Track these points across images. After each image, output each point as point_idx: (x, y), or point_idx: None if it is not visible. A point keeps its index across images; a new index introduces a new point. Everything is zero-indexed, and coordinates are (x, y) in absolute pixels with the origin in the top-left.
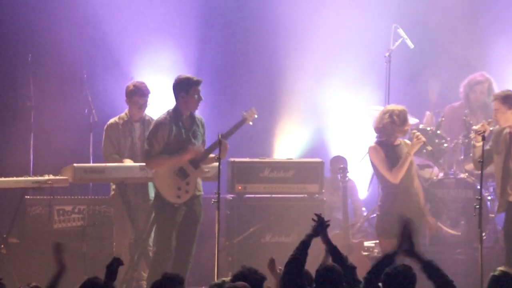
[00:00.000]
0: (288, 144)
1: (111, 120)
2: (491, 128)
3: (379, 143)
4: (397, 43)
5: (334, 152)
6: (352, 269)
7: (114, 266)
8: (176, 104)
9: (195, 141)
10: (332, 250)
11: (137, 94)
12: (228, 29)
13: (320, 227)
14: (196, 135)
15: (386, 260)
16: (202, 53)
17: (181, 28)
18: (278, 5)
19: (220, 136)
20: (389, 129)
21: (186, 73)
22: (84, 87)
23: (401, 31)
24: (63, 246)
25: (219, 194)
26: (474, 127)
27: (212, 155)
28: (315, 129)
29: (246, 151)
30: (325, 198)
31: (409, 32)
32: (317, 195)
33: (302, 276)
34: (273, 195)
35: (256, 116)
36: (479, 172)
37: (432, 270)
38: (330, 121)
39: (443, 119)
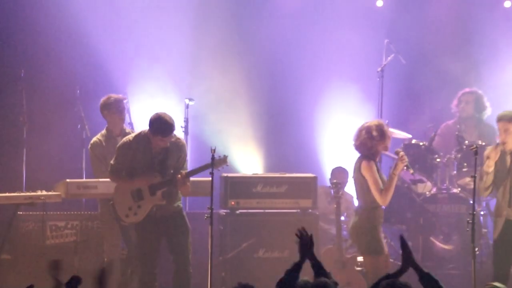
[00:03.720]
0: (279, 159)
1: (94, 139)
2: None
3: (371, 158)
4: (389, 58)
5: (328, 167)
6: (334, 285)
7: (72, 284)
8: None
9: (158, 169)
10: (315, 265)
11: (116, 108)
12: (222, 46)
13: (304, 247)
14: (164, 162)
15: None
16: (195, 67)
17: (175, 43)
18: (271, 20)
19: (183, 174)
20: (369, 145)
21: (176, 91)
22: (76, 102)
23: (392, 47)
24: (59, 263)
25: (212, 209)
26: (486, 152)
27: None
28: (310, 144)
29: (239, 167)
30: (318, 209)
31: (401, 48)
32: (310, 210)
33: None
34: (266, 210)
35: (227, 165)
36: (472, 186)
37: (430, 283)
38: (324, 136)
39: (435, 134)
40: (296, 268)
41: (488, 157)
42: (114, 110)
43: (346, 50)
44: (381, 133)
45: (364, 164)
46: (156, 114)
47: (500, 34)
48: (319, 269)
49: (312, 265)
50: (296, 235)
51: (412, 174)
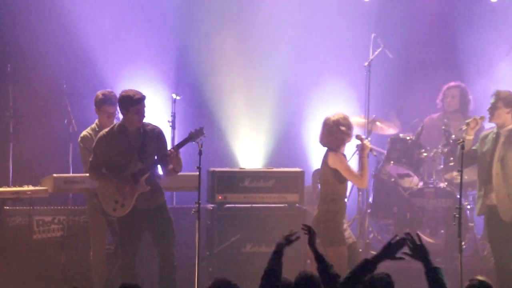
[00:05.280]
0: (269, 154)
1: (84, 133)
2: (483, 123)
3: (337, 150)
4: (376, 53)
5: (315, 162)
6: (336, 277)
7: None
8: (122, 119)
9: (138, 157)
10: (318, 257)
11: (106, 103)
12: (209, 40)
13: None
14: (145, 150)
15: (367, 266)
16: (183, 62)
17: (161, 38)
18: (256, 14)
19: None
20: (340, 139)
21: (164, 86)
22: (63, 97)
23: (380, 41)
24: None
25: (199, 204)
26: (467, 121)
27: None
28: (297, 139)
29: (228, 161)
30: (305, 208)
31: (388, 42)
32: (297, 205)
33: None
34: (254, 205)
35: (204, 136)
36: (459, 180)
37: (435, 277)
38: (312, 131)
39: (422, 129)
40: (278, 256)
41: (467, 124)
42: (105, 105)
43: (334, 44)
44: (349, 125)
45: (332, 156)
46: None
47: (486, 28)
48: (321, 262)
49: (315, 258)
50: (303, 229)
51: (375, 156)
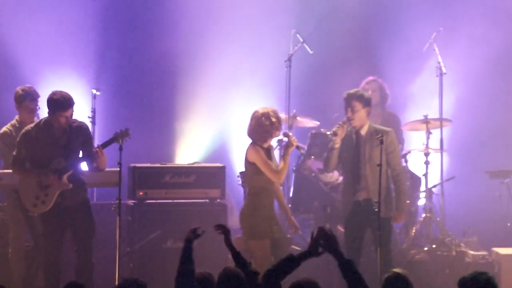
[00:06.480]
0: (191, 149)
1: (3, 129)
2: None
3: (258, 145)
4: (296, 48)
5: (237, 157)
6: (255, 274)
7: None
8: (48, 116)
9: (63, 154)
10: (235, 255)
11: (27, 99)
12: (128, 36)
13: (193, 234)
14: (70, 147)
15: (290, 261)
16: (104, 54)
17: (81, 33)
18: (178, 9)
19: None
20: (269, 132)
21: (83, 81)
22: None
23: (300, 36)
24: None
25: (120, 200)
26: (333, 129)
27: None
28: (219, 135)
29: (149, 157)
30: (227, 204)
31: (308, 38)
32: (218, 200)
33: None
34: (175, 201)
35: (129, 137)
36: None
37: (349, 270)
38: (233, 126)
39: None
40: (189, 254)
41: (335, 134)
42: (26, 101)
43: (254, 40)
44: (279, 118)
45: (250, 149)
46: (52, 92)
47: (404, 24)
48: (238, 259)
49: (232, 256)
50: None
51: (302, 153)
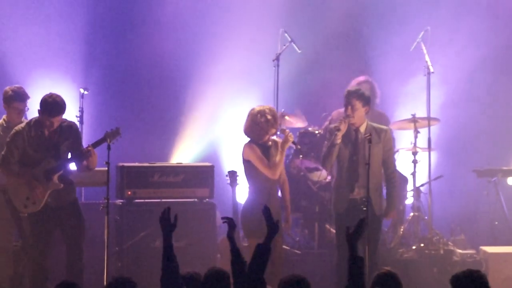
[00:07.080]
0: (180, 149)
1: None
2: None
3: (254, 143)
4: (284, 47)
5: (226, 157)
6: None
7: None
8: (39, 116)
9: (53, 154)
10: (233, 251)
11: (17, 100)
12: (116, 35)
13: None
14: (60, 147)
15: (259, 251)
16: (92, 54)
17: (69, 33)
18: (166, 9)
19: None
20: (264, 129)
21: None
22: None
23: (288, 36)
24: None
25: (108, 199)
26: (335, 125)
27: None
28: (208, 134)
29: (137, 156)
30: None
31: (297, 37)
32: (207, 199)
33: (180, 285)
34: (163, 200)
35: (120, 136)
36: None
37: (357, 266)
38: (222, 125)
39: (330, 123)
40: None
41: (338, 129)
42: (16, 102)
43: (242, 40)
44: (275, 116)
45: (244, 148)
46: (48, 94)
47: (393, 23)
48: (237, 256)
49: (231, 250)
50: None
51: (299, 149)
